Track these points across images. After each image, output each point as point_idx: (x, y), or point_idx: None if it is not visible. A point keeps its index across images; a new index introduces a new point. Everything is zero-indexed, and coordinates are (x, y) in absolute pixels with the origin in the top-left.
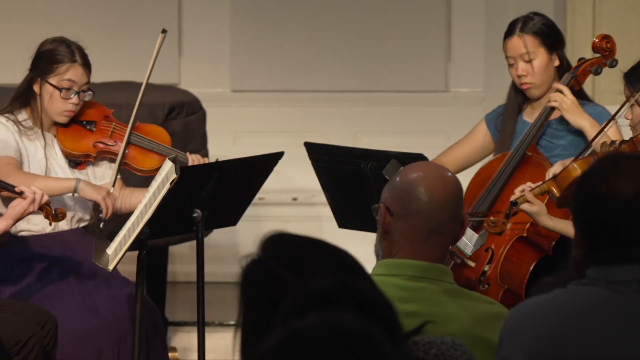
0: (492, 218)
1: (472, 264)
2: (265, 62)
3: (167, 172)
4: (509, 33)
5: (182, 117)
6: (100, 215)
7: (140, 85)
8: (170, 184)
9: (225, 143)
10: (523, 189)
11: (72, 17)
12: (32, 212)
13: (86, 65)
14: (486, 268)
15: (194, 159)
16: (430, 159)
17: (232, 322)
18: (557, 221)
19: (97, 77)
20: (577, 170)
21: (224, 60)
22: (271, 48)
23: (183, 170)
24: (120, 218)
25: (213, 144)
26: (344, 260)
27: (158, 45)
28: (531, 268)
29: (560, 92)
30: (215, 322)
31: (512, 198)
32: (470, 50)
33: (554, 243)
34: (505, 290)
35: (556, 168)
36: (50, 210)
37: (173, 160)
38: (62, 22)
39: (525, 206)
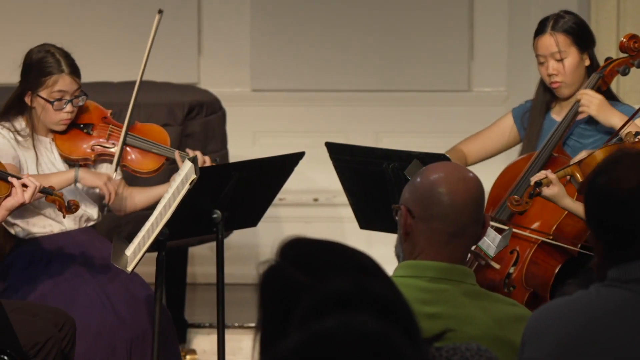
0: (515, 197)
1: (496, 266)
2: (286, 62)
3: (186, 173)
4: (540, 31)
5: (202, 117)
6: (104, 201)
7: (158, 85)
8: (190, 184)
9: (245, 143)
10: (545, 173)
11: (87, 18)
12: (25, 203)
13: (74, 72)
14: (511, 270)
15: None
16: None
17: (252, 325)
18: (579, 204)
19: (115, 77)
20: (601, 157)
21: (244, 60)
22: (291, 47)
23: (203, 170)
24: (126, 218)
25: (233, 144)
26: (361, 262)
27: (155, 26)
28: (556, 271)
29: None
30: (235, 325)
31: (536, 179)
32: (493, 50)
33: (579, 246)
34: (531, 293)
35: (582, 155)
36: (63, 202)
37: (192, 160)
38: (78, 22)
39: (545, 189)
